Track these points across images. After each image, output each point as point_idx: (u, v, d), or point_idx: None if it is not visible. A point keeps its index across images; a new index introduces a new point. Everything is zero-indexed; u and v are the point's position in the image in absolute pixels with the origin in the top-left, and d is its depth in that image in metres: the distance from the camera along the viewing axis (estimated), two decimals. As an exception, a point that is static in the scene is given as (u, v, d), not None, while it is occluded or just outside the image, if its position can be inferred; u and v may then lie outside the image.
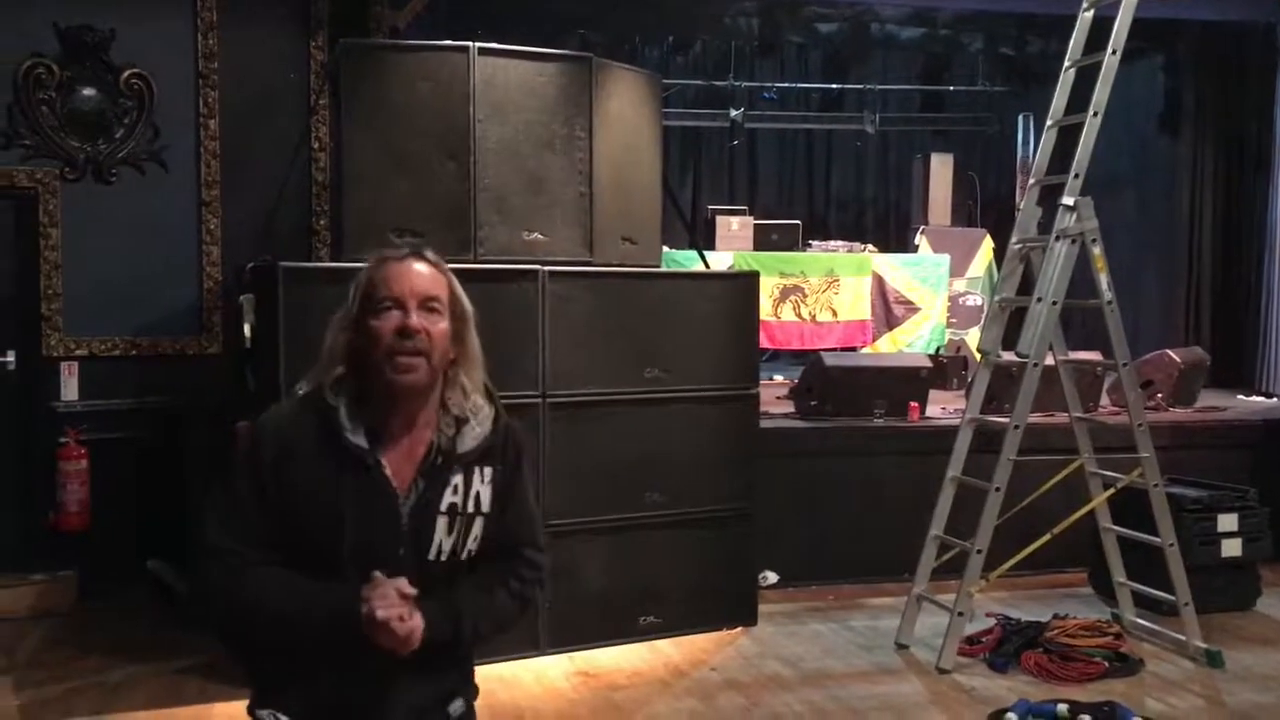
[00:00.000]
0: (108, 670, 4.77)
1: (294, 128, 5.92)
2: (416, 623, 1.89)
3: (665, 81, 10.02)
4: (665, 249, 8.68)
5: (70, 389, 5.67)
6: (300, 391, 2.03)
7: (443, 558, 1.98)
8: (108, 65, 5.71)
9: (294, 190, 5.88)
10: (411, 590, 1.90)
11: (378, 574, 1.90)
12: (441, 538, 1.97)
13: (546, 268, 4.93)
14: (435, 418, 1.99)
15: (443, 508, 1.97)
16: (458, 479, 1.99)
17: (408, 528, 1.96)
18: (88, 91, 5.69)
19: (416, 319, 1.93)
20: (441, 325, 1.96)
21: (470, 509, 1.99)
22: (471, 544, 2.01)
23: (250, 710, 2.06)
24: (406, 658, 1.92)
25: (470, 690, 2.16)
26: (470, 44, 4.97)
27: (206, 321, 5.90)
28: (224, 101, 5.89)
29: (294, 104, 6.04)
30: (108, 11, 5.69)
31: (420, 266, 1.98)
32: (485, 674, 4.69)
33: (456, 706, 2.09)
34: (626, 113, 5.42)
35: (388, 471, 1.96)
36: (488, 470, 2.02)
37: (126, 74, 5.72)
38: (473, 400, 2.02)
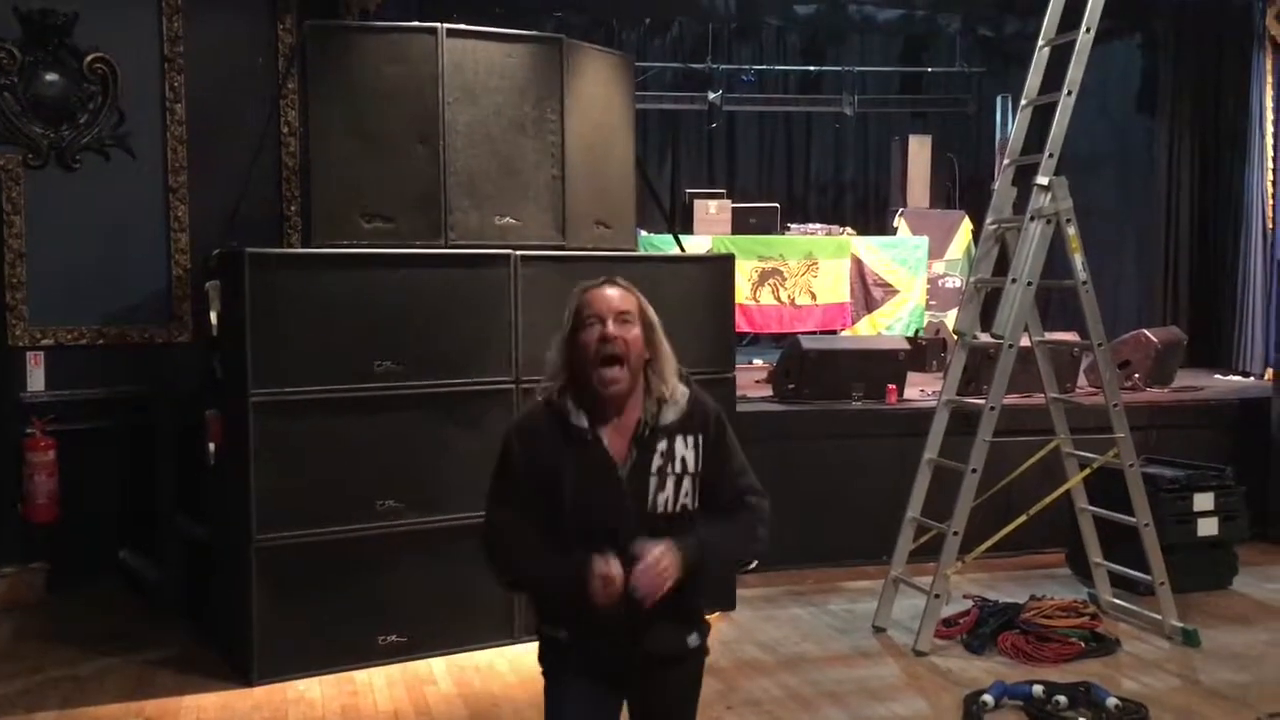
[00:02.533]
0: (78, 662, 4.73)
1: (262, 112, 5.85)
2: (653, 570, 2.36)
3: (643, 64, 9.99)
4: (643, 233, 8.66)
5: (37, 379, 5.59)
6: (539, 398, 2.56)
7: (659, 510, 2.46)
8: (71, 49, 5.62)
9: (263, 176, 5.82)
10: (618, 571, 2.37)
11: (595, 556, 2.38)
12: (655, 494, 2.46)
13: (518, 252, 4.88)
14: (640, 401, 2.50)
15: (653, 469, 2.46)
16: (663, 445, 2.47)
17: (627, 488, 2.45)
18: (50, 76, 5.60)
19: (613, 328, 2.44)
20: (635, 332, 2.48)
21: (677, 469, 2.48)
22: (684, 499, 2.49)
23: (538, 629, 2.62)
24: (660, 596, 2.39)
25: (704, 629, 2.66)
26: (438, 25, 4.91)
27: (175, 310, 5.83)
28: (190, 86, 5.81)
29: (262, 88, 5.97)
30: (71, -5, 5.60)
31: (612, 290, 2.51)
32: (460, 662, 4.70)
33: (693, 638, 2.60)
34: (599, 95, 5.37)
35: (605, 444, 2.48)
36: (689, 438, 2.50)
37: (90, 58, 5.63)
38: (670, 385, 2.52)
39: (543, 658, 2.65)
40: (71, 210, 5.63)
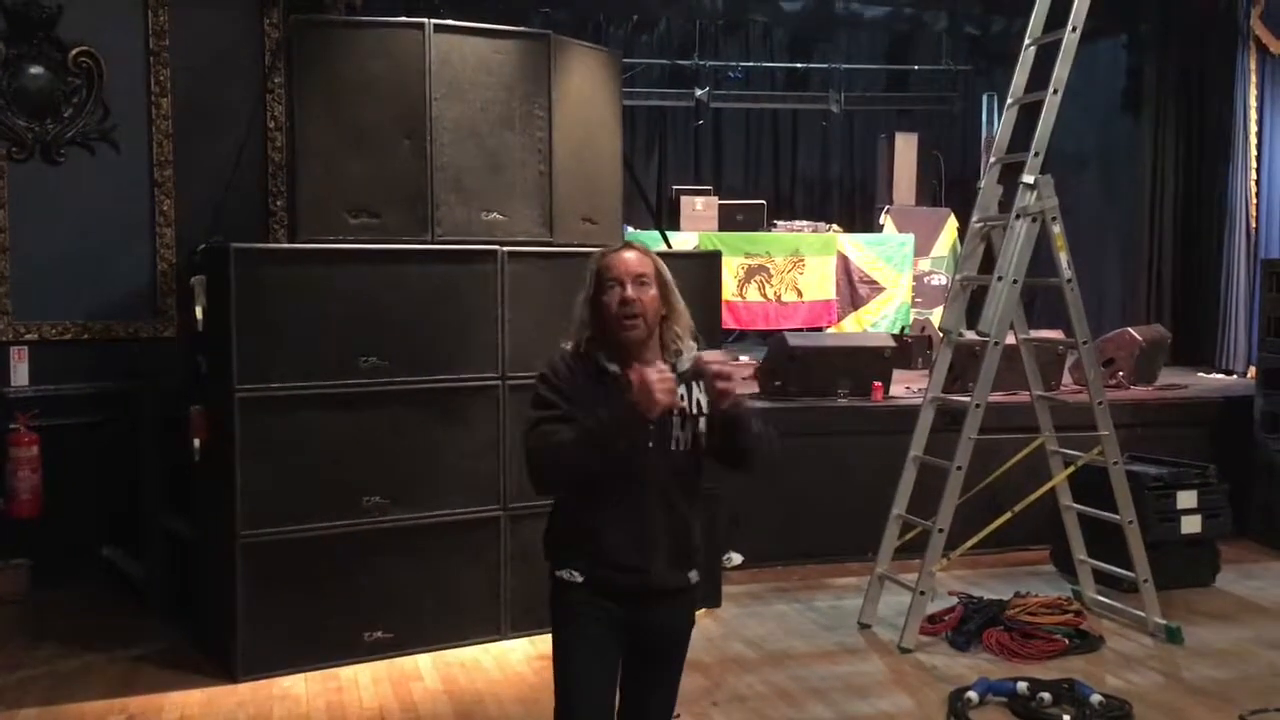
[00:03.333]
0: (61, 658, 4.70)
1: (248, 107, 5.82)
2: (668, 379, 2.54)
3: (630, 61, 9.98)
4: (629, 229, 8.64)
5: (20, 374, 5.55)
6: (565, 347, 2.74)
7: (680, 447, 2.70)
8: (55, 43, 5.57)
9: (249, 171, 5.79)
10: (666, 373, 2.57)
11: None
12: (677, 432, 2.68)
13: (505, 248, 4.88)
14: (658, 355, 2.71)
15: (673, 410, 2.63)
16: (681, 389, 2.64)
17: (654, 426, 2.61)
18: (35, 70, 5.55)
19: (631, 290, 2.65)
20: (651, 293, 2.69)
21: (694, 410, 2.70)
22: (699, 437, 2.71)
23: (551, 572, 2.77)
24: (667, 515, 2.69)
25: (700, 566, 2.83)
26: (426, 20, 4.90)
27: (160, 304, 5.80)
28: (176, 80, 5.77)
29: (248, 82, 5.94)
30: (55, -13, 5.56)
31: (630, 254, 2.72)
32: (446, 658, 4.70)
33: (693, 575, 2.79)
34: (586, 91, 5.36)
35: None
36: (697, 385, 2.72)
37: (75, 52, 5.59)
38: (684, 340, 2.76)
39: (554, 602, 2.79)
40: (56, 204, 5.59)
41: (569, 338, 2.77)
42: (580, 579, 2.71)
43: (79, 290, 5.65)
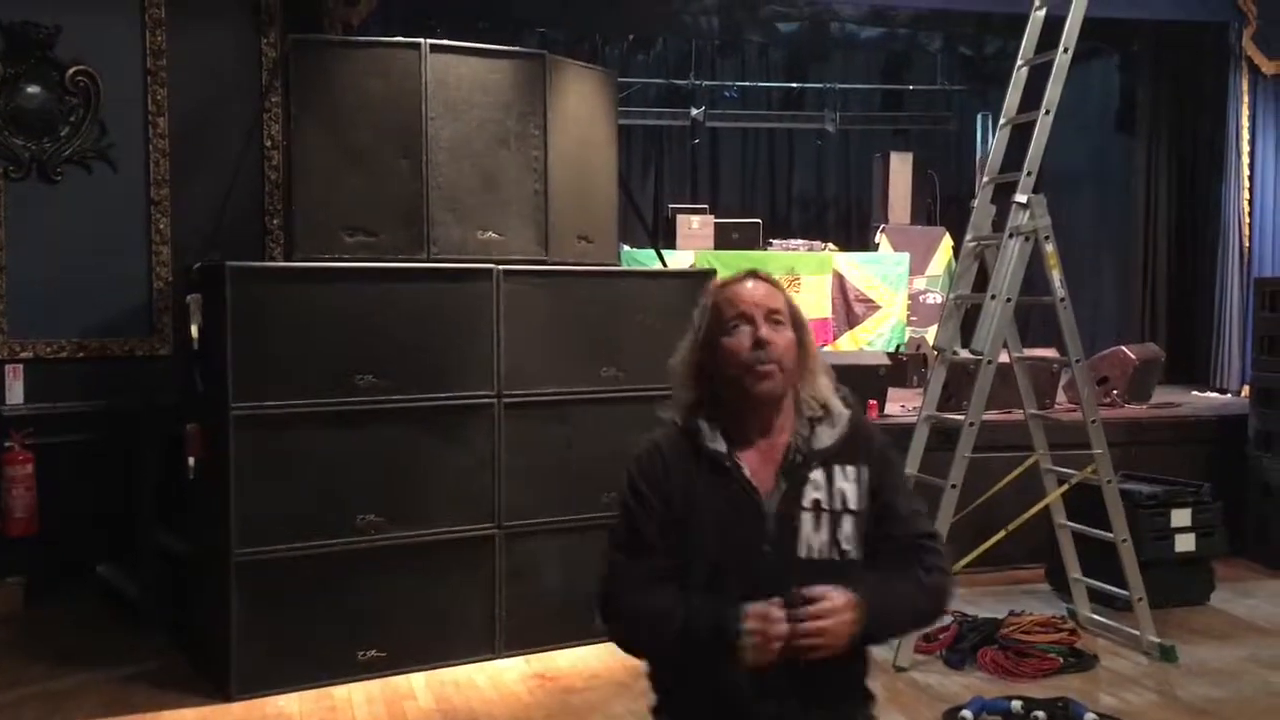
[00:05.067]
0: (56, 677, 4.69)
1: (245, 126, 5.85)
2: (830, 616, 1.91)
3: (626, 80, 10.03)
4: (626, 248, 8.68)
5: (15, 392, 5.55)
6: (665, 416, 2.17)
7: (813, 555, 2.03)
8: (53, 62, 5.60)
9: (246, 189, 5.81)
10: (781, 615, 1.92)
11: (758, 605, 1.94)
12: (809, 535, 2.03)
13: (501, 266, 4.89)
14: (791, 422, 2.09)
15: (806, 504, 2.04)
16: (818, 475, 2.05)
17: (772, 526, 2.02)
18: (32, 89, 5.58)
19: (766, 330, 2.05)
20: (788, 334, 2.08)
21: (836, 506, 2.05)
22: (845, 543, 2.04)
23: (654, 713, 2.19)
24: (807, 678, 1.98)
25: (869, 710, 2.21)
26: (422, 40, 4.93)
27: (156, 323, 5.81)
28: (173, 99, 5.80)
29: (245, 102, 5.97)
30: (53, 7, 5.58)
31: (759, 284, 2.12)
32: (440, 677, 4.69)
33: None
34: (582, 110, 5.39)
35: (746, 472, 2.06)
36: (849, 469, 2.07)
37: (72, 71, 5.62)
38: (825, 401, 2.11)
39: None
40: (52, 223, 5.61)
41: (668, 406, 2.14)
42: None
43: (75, 308, 5.66)
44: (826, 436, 2.09)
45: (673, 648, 2.02)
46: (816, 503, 2.04)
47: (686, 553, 2.04)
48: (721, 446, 2.06)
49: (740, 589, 1.96)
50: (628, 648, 2.15)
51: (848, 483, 2.06)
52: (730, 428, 2.08)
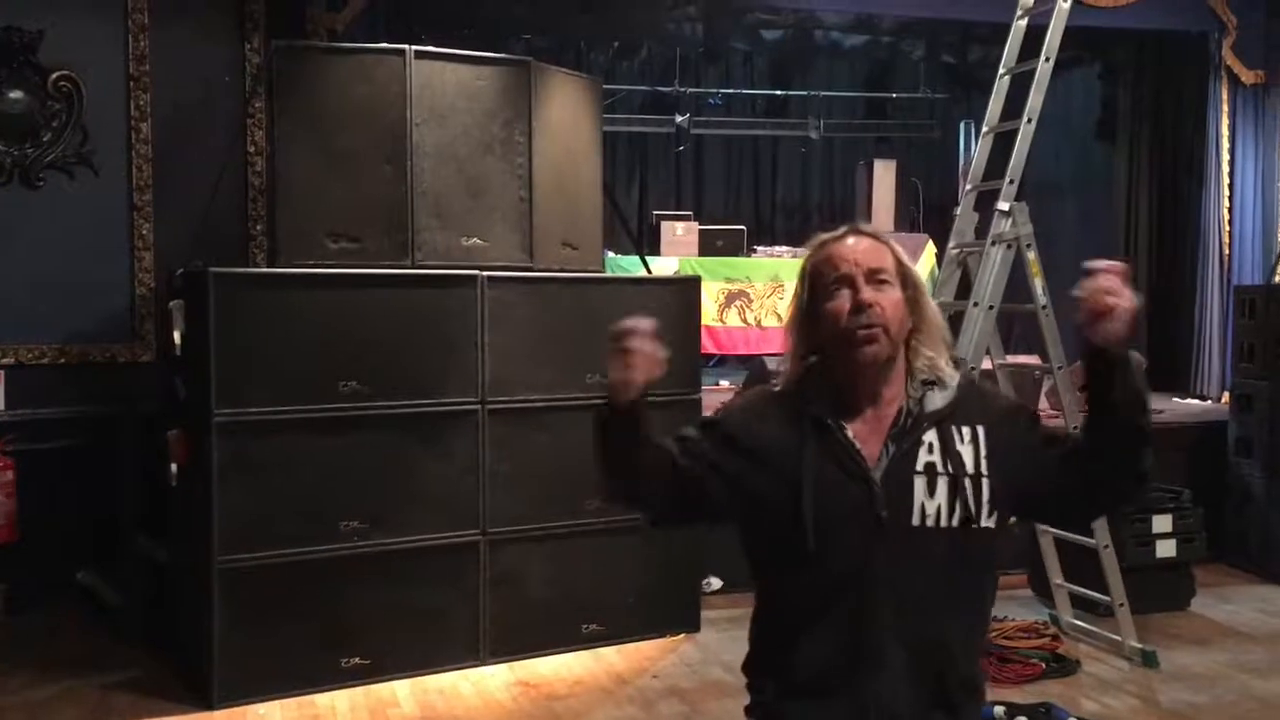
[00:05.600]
0: (36, 685, 4.66)
1: (229, 132, 5.83)
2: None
3: (611, 87, 10.04)
4: (610, 254, 8.69)
5: (-4, 398, 5.53)
6: (770, 389, 2.06)
7: (930, 523, 1.86)
8: (35, 67, 5.57)
9: (229, 195, 5.79)
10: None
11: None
12: (923, 500, 1.86)
13: (486, 273, 4.89)
14: (902, 390, 1.94)
15: (919, 467, 1.88)
16: (931, 438, 1.90)
17: (882, 493, 1.86)
18: (14, 94, 5.55)
19: (868, 293, 1.89)
20: (894, 295, 1.91)
21: (952, 469, 1.87)
22: (965, 508, 1.87)
23: (746, 670, 2.12)
24: (907, 628, 1.86)
25: (975, 710, 2.04)
26: (407, 47, 4.93)
27: (139, 328, 5.78)
28: (156, 104, 5.78)
29: (229, 107, 5.95)
30: (36, 12, 5.56)
31: (860, 241, 1.96)
32: (424, 685, 4.68)
33: None
34: (566, 117, 5.40)
35: (850, 434, 1.91)
36: (966, 430, 1.91)
37: (55, 76, 5.59)
38: (940, 364, 1.95)
39: None
40: (34, 228, 5.58)
41: (780, 378, 2.02)
42: (759, 711, 2.06)
43: (57, 314, 5.63)
44: (940, 399, 1.93)
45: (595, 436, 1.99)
46: (930, 465, 1.88)
47: (777, 506, 1.91)
48: (825, 412, 1.92)
49: (848, 560, 1.86)
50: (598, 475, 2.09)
51: (965, 445, 1.89)
52: (837, 397, 1.94)
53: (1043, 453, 1.94)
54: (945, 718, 1.95)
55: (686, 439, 2.03)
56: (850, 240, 1.96)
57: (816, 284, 1.95)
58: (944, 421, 1.91)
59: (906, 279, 1.95)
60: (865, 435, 1.92)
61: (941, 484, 1.87)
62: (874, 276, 1.91)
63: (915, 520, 1.86)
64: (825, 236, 2.01)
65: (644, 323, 1.90)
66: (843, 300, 1.90)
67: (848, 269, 1.92)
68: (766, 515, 1.95)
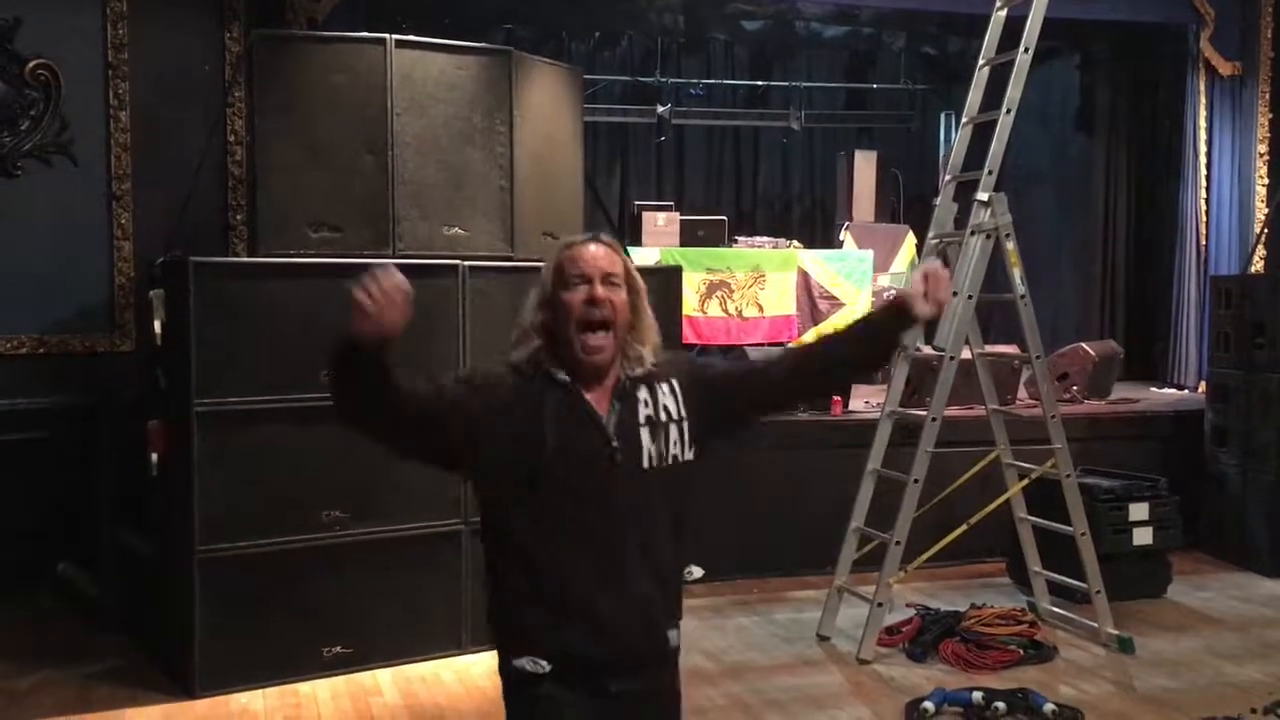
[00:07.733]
0: (16, 676, 4.65)
1: (208, 121, 5.81)
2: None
3: (592, 78, 10.02)
4: (591, 245, 8.68)
5: (-25, 389, 5.50)
6: (505, 362, 2.32)
7: (654, 463, 2.26)
8: (13, 55, 5.54)
9: (209, 184, 5.78)
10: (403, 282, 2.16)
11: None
12: (648, 446, 2.26)
13: (466, 263, 4.89)
14: (619, 369, 2.30)
15: (640, 420, 2.27)
16: (644, 394, 2.29)
17: (618, 442, 2.23)
18: (-9, 83, 5.53)
19: (601, 290, 2.24)
20: (621, 296, 2.28)
21: (663, 418, 2.28)
22: (675, 448, 2.29)
23: (505, 664, 2.28)
24: (642, 556, 2.24)
25: (677, 622, 2.40)
26: (387, 36, 4.92)
27: (118, 319, 5.76)
28: (135, 93, 5.76)
29: (209, 96, 5.93)
30: (13, 0, 5.52)
31: (599, 248, 2.30)
32: (406, 673, 4.69)
33: (673, 635, 2.37)
34: (547, 107, 5.40)
35: (587, 396, 2.26)
36: (664, 385, 2.32)
37: (32, 64, 5.56)
38: (645, 356, 2.33)
39: (511, 701, 2.30)
40: (12, 218, 5.55)
41: (512, 352, 2.31)
42: (548, 667, 2.21)
43: (35, 304, 5.61)
44: (640, 368, 2.31)
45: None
46: (649, 418, 2.27)
47: (521, 453, 2.21)
48: (565, 376, 2.25)
49: (590, 502, 2.20)
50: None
51: (667, 397, 2.31)
52: (569, 369, 2.27)
53: (729, 379, 2.49)
54: (665, 631, 2.34)
55: (441, 384, 2.28)
56: (592, 247, 2.31)
57: (560, 278, 2.28)
58: (650, 382, 2.31)
59: (633, 285, 2.32)
60: (595, 398, 2.28)
61: (659, 431, 2.28)
62: (608, 279, 2.27)
63: (645, 463, 2.25)
64: (572, 239, 2.36)
65: (397, 277, 2.16)
66: (580, 293, 2.25)
67: (588, 269, 2.26)
68: (510, 459, 2.23)
